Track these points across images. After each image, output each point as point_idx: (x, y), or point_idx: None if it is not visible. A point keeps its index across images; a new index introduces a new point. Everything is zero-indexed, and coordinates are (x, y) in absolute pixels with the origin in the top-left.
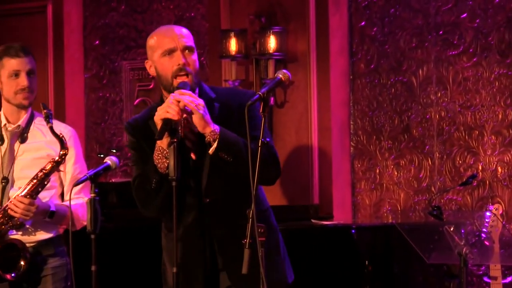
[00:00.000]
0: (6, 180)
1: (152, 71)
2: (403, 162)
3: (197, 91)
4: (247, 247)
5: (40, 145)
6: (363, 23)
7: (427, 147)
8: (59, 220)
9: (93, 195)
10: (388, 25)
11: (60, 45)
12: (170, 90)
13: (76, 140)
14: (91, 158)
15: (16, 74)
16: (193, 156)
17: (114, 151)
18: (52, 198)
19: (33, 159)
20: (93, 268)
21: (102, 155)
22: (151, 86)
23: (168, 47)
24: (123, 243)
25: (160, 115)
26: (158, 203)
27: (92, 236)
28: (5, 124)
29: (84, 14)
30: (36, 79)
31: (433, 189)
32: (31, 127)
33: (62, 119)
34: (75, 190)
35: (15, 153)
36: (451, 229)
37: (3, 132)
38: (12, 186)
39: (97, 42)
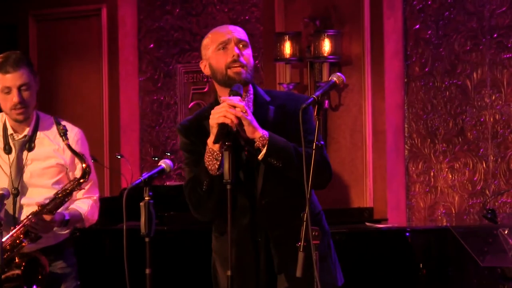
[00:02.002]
0: (16, 190)
1: (207, 71)
2: (457, 165)
3: (251, 91)
4: (301, 250)
5: (48, 153)
6: (417, 26)
7: (482, 150)
8: (72, 224)
9: (147, 198)
10: (443, 28)
11: (115, 48)
12: (226, 82)
13: (83, 142)
14: (146, 161)
15: (8, 91)
16: (246, 153)
17: (168, 154)
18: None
19: (43, 169)
20: (147, 271)
21: (156, 158)
22: (205, 89)
23: (221, 40)
24: (176, 245)
25: (216, 119)
26: (211, 206)
27: (146, 239)
28: (11, 134)
29: (139, 17)
30: (33, 91)
31: (487, 192)
32: (38, 134)
33: (117, 122)
34: (83, 190)
35: (24, 162)
36: (506, 232)
37: (11, 142)
38: (24, 194)
39: (151, 45)
